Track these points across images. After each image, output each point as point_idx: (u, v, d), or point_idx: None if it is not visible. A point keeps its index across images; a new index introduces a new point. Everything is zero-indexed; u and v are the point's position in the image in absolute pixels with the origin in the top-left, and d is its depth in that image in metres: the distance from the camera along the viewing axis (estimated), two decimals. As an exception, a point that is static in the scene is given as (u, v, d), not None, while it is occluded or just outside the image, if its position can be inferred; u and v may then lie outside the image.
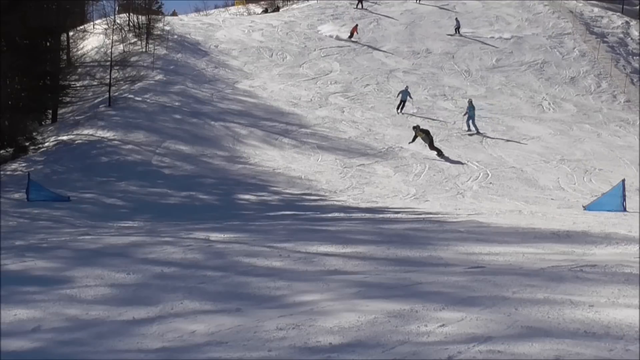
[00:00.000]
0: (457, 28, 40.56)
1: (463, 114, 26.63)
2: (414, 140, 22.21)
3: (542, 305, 4.60)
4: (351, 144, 24.21)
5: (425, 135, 22.10)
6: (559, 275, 5.72)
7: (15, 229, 12.21)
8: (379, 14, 44.30)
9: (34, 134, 25.83)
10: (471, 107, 25.58)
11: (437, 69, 36.24)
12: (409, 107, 28.70)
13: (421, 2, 46.53)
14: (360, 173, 20.61)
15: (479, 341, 3.85)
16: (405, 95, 28.47)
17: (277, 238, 8.88)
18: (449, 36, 40.33)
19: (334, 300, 4.96)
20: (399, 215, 12.75)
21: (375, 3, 46.36)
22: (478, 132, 25.55)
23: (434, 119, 27.88)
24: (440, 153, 21.66)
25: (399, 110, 28.19)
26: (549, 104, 32.26)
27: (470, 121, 25.46)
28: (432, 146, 21.96)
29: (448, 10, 45.10)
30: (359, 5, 45.31)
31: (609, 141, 25.65)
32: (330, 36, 40.23)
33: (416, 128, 22.58)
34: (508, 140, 25.07)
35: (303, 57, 36.88)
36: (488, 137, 25.30)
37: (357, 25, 40.52)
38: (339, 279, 5.92)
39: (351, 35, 39.44)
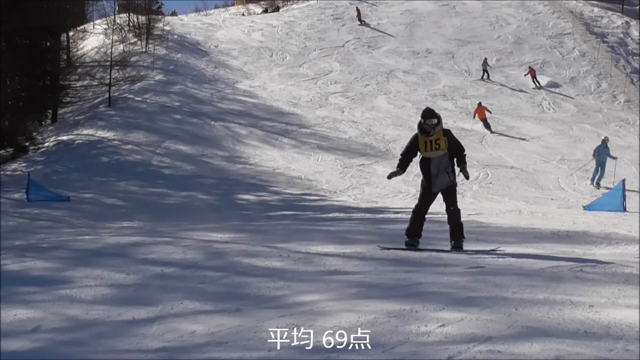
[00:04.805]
0: (485, 70, 35.45)
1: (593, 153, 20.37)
2: None
3: (542, 305, 4.60)
4: (351, 144, 24.21)
5: None
6: (559, 275, 5.72)
7: (15, 229, 12.21)
8: (377, 30, 44.00)
9: (34, 134, 25.85)
10: (604, 149, 19.94)
11: (437, 69, 36.23)
12: None
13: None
14: (360, 173, 20.62)
15: (479, 341, 3.85)
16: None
17: (277, 238, 8.88)
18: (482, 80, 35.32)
19: (334, 300, 4.96)
20: (399, 215, 12.74)
21: (374, 4, 46.29)
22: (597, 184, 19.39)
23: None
24: None
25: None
26: (549, 104, 32.26)
27: (600, 168, 19.56)
28: None
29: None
30: (362, 22, 43.90)
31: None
32: None
33: None
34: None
35: (303, 57, 36.88)
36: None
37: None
38: (339, 279, 5.92)
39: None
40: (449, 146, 7.59)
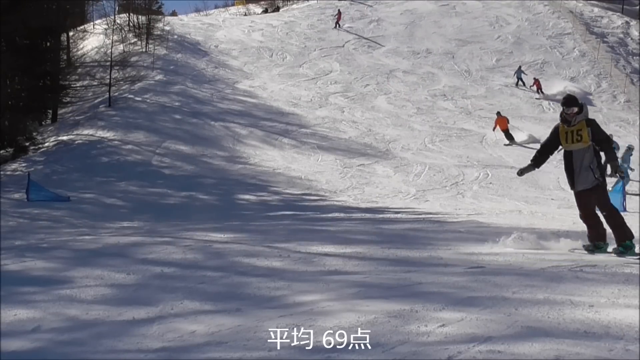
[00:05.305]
0: (519, 78, 35.02)
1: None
2: None
3: (542, 305, 4.60)
4: (351, 144, 24.22)
5: None
6: (559, 275, 5.71)
7: (15, 229, 12.20)
8: (371, 35, 43.96)
9: (34, 134, 25.87)
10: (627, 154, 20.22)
11: (437, 69, 36.24)
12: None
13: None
14: (360, 173, 20.63)
15: (479, 341, 3.84)
16: None
17: (277, 238, 8.88)
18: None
19: (334, 300, 4.96)
20: (399, 215, 12.74)
21: (371, 6, 46.24)
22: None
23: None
24: None
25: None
26: (549, 104, 32.25)
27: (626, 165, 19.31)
28: None
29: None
30: (337, 26, 43.46)
31: (609, 141, 25.65)
32: None
33: None
34: None
35: (303, 57, 36.90)
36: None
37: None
38: (339, 279, 5.92)
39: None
40: (593, 138, 6.71)
